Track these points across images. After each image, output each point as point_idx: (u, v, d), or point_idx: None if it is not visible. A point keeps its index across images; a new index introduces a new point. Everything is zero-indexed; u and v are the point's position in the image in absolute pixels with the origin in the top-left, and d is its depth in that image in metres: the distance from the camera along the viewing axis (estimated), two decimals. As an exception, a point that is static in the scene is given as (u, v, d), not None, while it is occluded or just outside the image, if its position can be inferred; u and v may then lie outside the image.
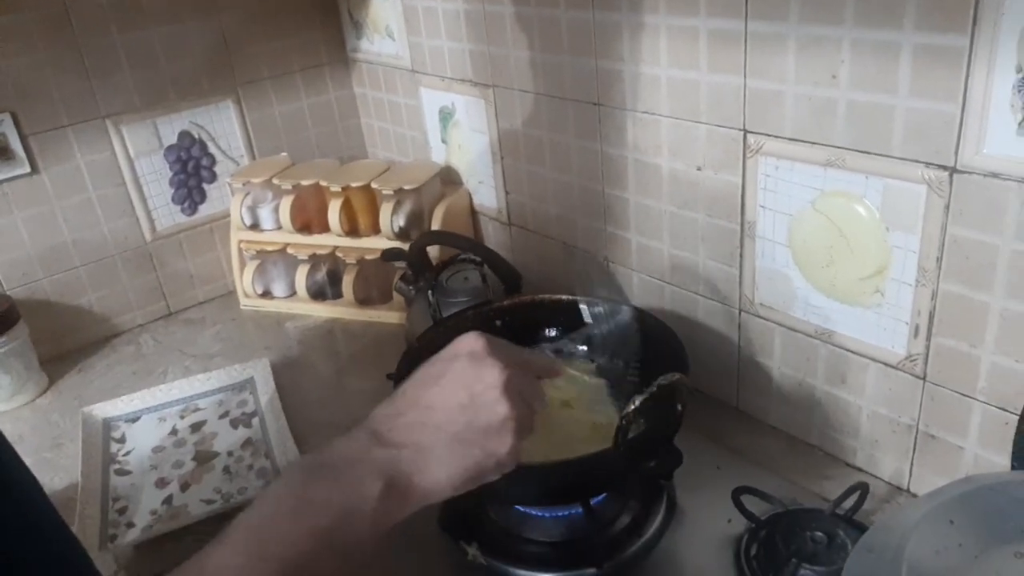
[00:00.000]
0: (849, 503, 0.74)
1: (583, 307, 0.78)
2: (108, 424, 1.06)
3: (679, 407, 0.71)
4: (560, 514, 0.80)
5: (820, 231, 0.77)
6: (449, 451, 0.51)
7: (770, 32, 0.74)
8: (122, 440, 1.03)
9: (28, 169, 1.17)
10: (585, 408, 0.81)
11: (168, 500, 0.91)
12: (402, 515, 0.50)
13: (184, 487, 0.93)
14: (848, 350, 0.79)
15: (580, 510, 0.77)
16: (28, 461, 0.48)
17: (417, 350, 0.84)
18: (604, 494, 0.80)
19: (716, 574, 0.74)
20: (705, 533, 0.78)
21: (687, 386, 0.69)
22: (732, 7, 0.76)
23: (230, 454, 0.98)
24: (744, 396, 0.94)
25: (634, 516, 0.80)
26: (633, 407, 0.65)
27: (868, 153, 0.70)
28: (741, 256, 0.87)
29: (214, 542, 0.44)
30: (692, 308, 0.96)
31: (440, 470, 0.51)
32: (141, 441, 1.03)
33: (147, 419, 1.07)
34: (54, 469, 0.99)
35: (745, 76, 0.78)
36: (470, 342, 0.55)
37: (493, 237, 1.26)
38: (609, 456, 0.67)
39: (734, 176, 0.84)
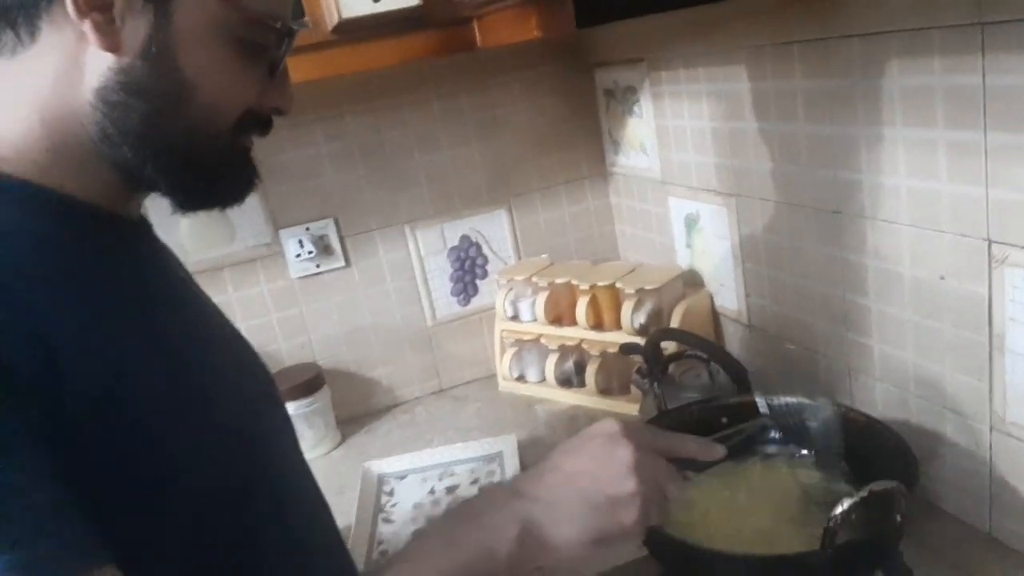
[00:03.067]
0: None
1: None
2: (381, 479, 1.25)
3: (898, 517, 0.69)
4: (774, 616, 0.80)
5: (1075, 347, 0.72)
6: (579, 511, 0.57)
7: (1011, 143, 0.73)
8: (391, 494, 1.21)
9: (343, 263, 1.45)
10: (797, 509, 0.81)
11: (422, 551, 1.05)
12: (534, 561, 0.57)
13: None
14: (1115, 480, 0.72)
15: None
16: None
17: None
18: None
19: None
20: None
21: (905, 495, 0.68)
22: (969, 120, 0.77)
23: (476, 518, 1.10)
24: (997, 521, 0.87)
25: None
26: (841, 509, 0.66)
27: (1124, 266, 0.66)
28: (991, 371, 0.82)
29: (381, 571, 0.54)
30: (939, 423, 0.91)
31: (570, 526, 0.57)
32: (405, 496, 1.19)
33: (412, 478, 1.24)
34: (335, 512, 1.18)
35: (987, 186, 0.77)
36: (608, 425, 0.62)
37: (734, 338, 1.29)
38: (814, 557, 0.68)
39: (980, 287, 0.81)
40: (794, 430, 0.83)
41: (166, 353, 0.57)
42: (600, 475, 0.59)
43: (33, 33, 0.53)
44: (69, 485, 0.45)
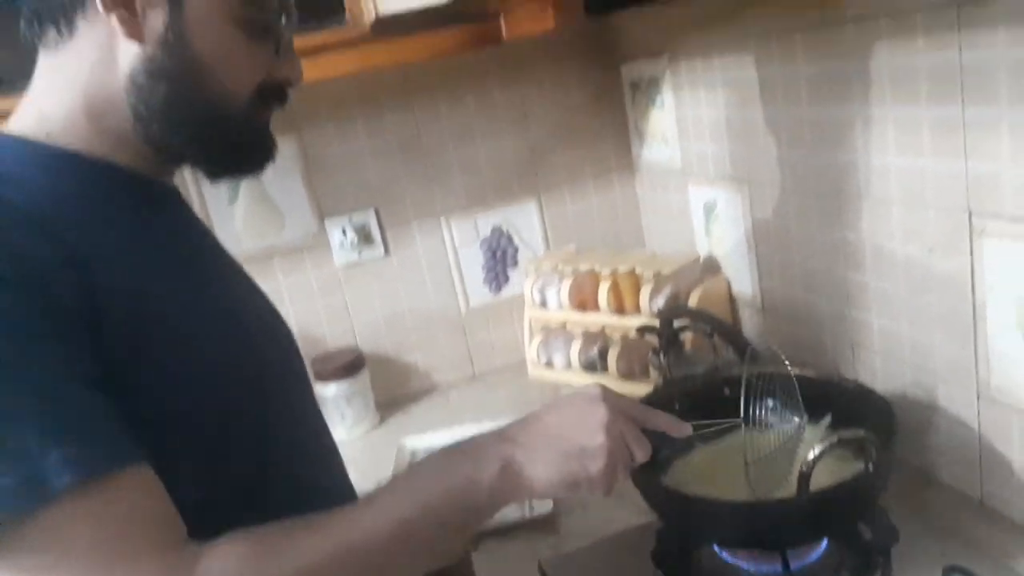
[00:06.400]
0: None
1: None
2: (414, 453, 1.33)
3: (869, 466, 0.74)
4: (763, 568, 0.84)
5: (1047, 310, 0.75)
6: (552, 457, 0.65)
7: (985, 115, 0.77)
8: (421, 465, 1.29)
9: (383, 252, 1.54)
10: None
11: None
12: (513, 496, 0.64)
13: (457, 505, 1.14)
14: (1086, 438, 0.74)
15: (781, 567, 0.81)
16: (353, 477, 0.78)
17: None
18: (816, 554, 0.83)
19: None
20: (912, 611, 0.77)
21: (875, 444, 0.73)
22: (949, 95, 0.81)
23: (496, 485, 1.17)
24: (988, 488, 0.90)
25: (840, 585, 0.82)
26: (813, 455, 0.71)
27: (1083, 228, 0.69)
28: (975, 339, 0.86)
29: (381, 488, 0.62)
30: (932, 393, 0.94)
31: (544, 468, 0.64)
32: (433, 467, 1.26)
33: (441, 452, 1.31)
34: (371, 483, 1.27)
35: (966, 159, 0.81)
36: (591, 389, 0.69)
37: (749, 321, 1.33)
38: (791, 502, 0.72)
39: (962, 258, 0.85)
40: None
41: (188, 286, 0.66)
42: (575, 428, 0.66)
43: (71, 29, 0.63)
44: (107, 395, 0.54)
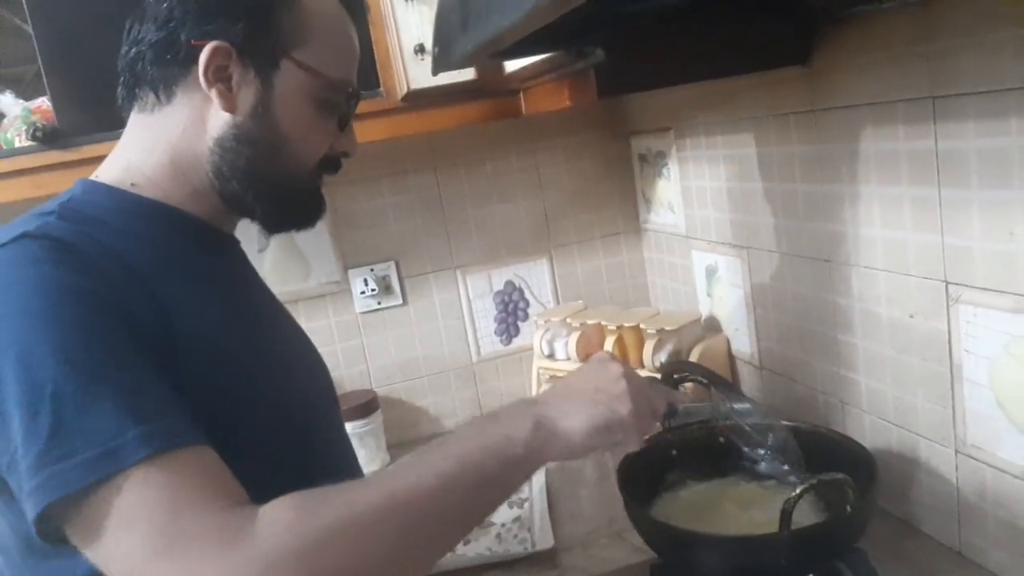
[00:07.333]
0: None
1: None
2: (423, 492, 1.39)
3: (847, 508, 0.80)
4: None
5: (1014, 373, 0.83)
6: (581, 406, 0.71)
7: (958, 196, 0.86)
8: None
9: (401, 301, 1.63)
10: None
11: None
12: (549, 448, 0.68)
13: (465, 542, 1.20)
14: (1049, 490, 0.81)
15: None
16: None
17: (645, 451, 1.03)
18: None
19: None
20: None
21: (853, 487, 0.80)
22: (926, 178, 0.90)
23: (503, 525, 1.23)
24: (966, 539, 0.96)
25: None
26: (794, 494, 0.78)
27: (1042, 298, 0.77)
28: (952, 398, 0.93)
29: (424, 449, 0.66)
30: (914, 449, 1.02)
31: (575, 418, 0.70)
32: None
33: (450, 493, 1.38)
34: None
35: (942, 234, 0.90)
36: (600, 354, 0.79)
37: (747, 379, 1.40)
38: (773, 538, 0.79)
39: (940, 323, 0.93)
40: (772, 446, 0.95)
41: (244, 322, 0.75)
42: (596, 380, 0.74)
43: (170, 96, 0.73)
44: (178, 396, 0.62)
